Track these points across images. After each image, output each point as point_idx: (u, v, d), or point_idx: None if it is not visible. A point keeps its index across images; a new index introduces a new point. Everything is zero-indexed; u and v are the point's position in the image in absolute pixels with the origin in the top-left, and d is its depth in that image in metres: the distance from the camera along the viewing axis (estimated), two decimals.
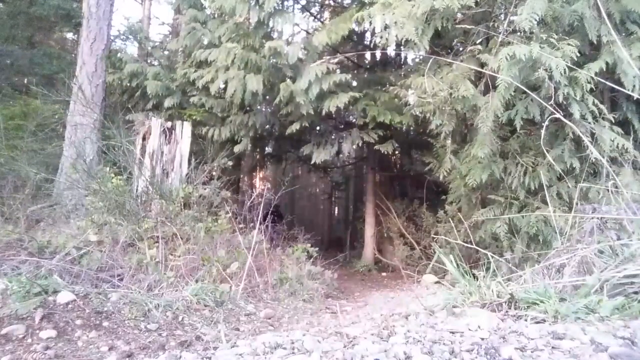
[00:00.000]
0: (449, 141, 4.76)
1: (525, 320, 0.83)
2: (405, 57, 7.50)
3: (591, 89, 3.39)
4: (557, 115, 2.08)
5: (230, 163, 5.46)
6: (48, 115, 6.21)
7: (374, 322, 0.96)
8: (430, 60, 3.95)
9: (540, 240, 3.77)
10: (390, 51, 7.44)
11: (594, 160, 3.47)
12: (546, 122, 2.72)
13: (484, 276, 1.13)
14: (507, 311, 0.91)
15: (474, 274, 1.20)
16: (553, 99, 3.29)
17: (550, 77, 3.30)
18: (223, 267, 3.26)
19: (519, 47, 3.23)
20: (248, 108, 6.23)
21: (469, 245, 2.82)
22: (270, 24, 5.53)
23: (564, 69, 3.21)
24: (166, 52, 7.59)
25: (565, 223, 2.20)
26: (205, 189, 4.25)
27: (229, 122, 6.22)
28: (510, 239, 4.00)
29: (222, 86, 5.62)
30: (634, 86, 3.37)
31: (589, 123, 3.52)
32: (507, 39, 3.62)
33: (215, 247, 3.54)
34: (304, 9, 7.89)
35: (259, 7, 5.25)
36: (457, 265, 1.22)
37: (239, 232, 3.82)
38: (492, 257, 1.36)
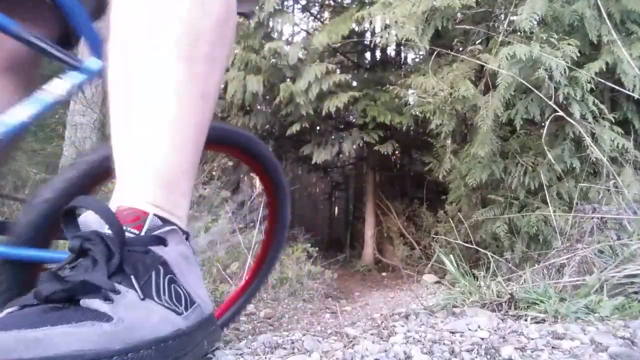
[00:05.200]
0: (449, 141, 4.77)
1: (525, 320, 0.83)
2: (405, 57, 7.50)
3: (591, 89, 3.39)
4: (560, 114, 2.08)
5: (230, 163, 5.46)
6: (48, 115, 6.21)
7: (374, 322, 0.96)
8: (431, 60, 3.96)
9: (540, 240, 3.76)
10: (390, 51, 7.44)
11: (594, 160, 3.47)
12: (547, 122, 2.72)
13: (484, 276, 1.13)
14: (507, 311, 0.91)
15: (474, 274, 1.20)
16: (553, 98, 3.30)
17: (551, 77, 3.30)
18: (223, 267, 3.26)
19: (519, 47, 3.23)
20: (248, 108, 6.24)
21: (469, 245, 2.82)
22: (270, 24, 5.53)
23: (564, 69, 3.21)
24: None
25: (565, 223, 2.20)
26: (205, 189, 4.25)
27: (229, 122, 6.23)
28: (511, 239, 4.00)
29: (222, 87, 5.62)
30: (634, 86, 3.37)
31: (589, 123, 3.52)
32: (507, 39, 3.62)
33: (215, 247, 3.54)
34: (304, 9, 7.90)
35: (259, 7, 5.25)
36: (457, 265, 1.22)
37: (239, 232, 3.82)
38: (492, 257, 1.37)
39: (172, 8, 0.57)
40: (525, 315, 0.85)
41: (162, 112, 0.57)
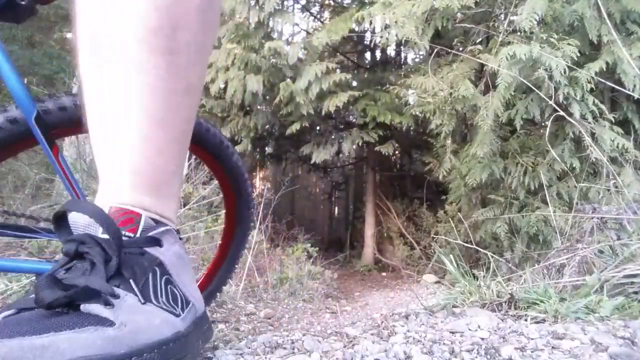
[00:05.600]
0: (449, 141, 4.77)
1: (525, 320, 0.83)
2: (405, 57, 7.50)
3: (591, 89, 3.39)
4: (561, 114, 2.08)
5: None
6: None
7: (374, 322, 0.96)
8: (431, 60, 3.96)
9: (540, 240, 3.77)
10: (390, 51, 7.44)
11: (594, 160, 3.47)
12: (549, 122, 2.73)
13: (484, 276, 1.13)
14: (507, 311, 0.91)
15: (474, 274, 1.20)
16: (553, 98, 3.30)
17: (550, 77, 3.30)
18: None
19: (519, 47, 3.23)
20: (248, 108, 6.24)
21: (469, 245, 2.82)
22: (270, 24, 5.53)
23: (564, 69, 3.21)
24: None
25: (565, 223, 2.20)
26: (205, 188, 4.25)
27: (230, 122, 6.23)
28: (510, 239, 4.00)
29: (222, 87, 5.62)
30: (634, 86, 3.37)
31: (589, 123, 3.53)
32: (507, 38, 3.62)
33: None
34: (304, 9, 7.90)
35: (259, 7, 5.25)
36: (457, 265, 1.22)
37: None
38: (492, 257, 1.36)
39: None
40: (525, 315, 0.85)
41: (144, 111, 0.52)
